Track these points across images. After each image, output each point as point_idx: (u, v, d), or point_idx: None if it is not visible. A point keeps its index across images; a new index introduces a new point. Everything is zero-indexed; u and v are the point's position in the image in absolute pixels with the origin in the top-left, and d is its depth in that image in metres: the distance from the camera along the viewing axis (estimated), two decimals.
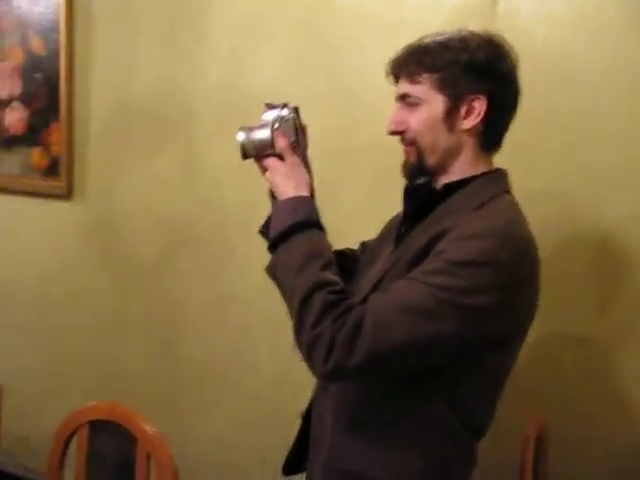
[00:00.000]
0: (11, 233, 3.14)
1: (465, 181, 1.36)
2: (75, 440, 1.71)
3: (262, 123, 1.42)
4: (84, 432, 1.69)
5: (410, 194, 1.43)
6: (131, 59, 2.74)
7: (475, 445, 1.40)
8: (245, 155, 1.42)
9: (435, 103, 1.33)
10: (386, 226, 1.61)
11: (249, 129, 1.42)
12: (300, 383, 1.61)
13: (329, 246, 1.35)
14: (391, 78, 1.41)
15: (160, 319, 2.80)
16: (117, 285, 2.89)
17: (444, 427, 1.33)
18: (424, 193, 1.40)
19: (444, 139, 1.34)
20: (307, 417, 1.56)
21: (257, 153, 1.42)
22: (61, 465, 1.71)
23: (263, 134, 1.41)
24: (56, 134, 2.88)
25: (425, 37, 1.37)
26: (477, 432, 1.39)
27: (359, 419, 1.38)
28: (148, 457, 1.60)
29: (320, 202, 1.43)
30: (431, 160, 1.36)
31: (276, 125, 1.40)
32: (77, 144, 2.88)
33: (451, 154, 1.35)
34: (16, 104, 2.96)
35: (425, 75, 1.33)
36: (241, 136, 1.42)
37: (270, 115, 1.42)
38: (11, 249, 3.15)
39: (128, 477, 1.62)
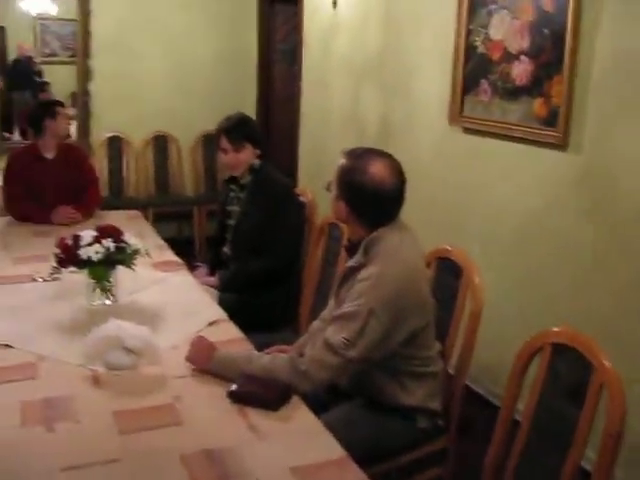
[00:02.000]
0: (506, 176, 3.43)
1: None
2: (537, 359, 1.89)
3: None
4: (546, 352, 1.86)
5: None
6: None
7: None
8: None
9: None
10: None
11: None
12: None
13: None
14: None
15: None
16: (600, 238, 2.95)
17: None
18: None
19: None
20: None
21: None
22: (521, 377, 1.92)
23: None
24: (557, 86, 3.03)
25: None
26: None
27: None
28: (600, 387, 1.70)
29: None
30: None
31: None
32: (577, 96, 2.98)
33: None
34: (523, 58, 3.20)
35: None
36: None
37: None
38: (504, 191, 3.45)
39: (578, 402, 1.74)
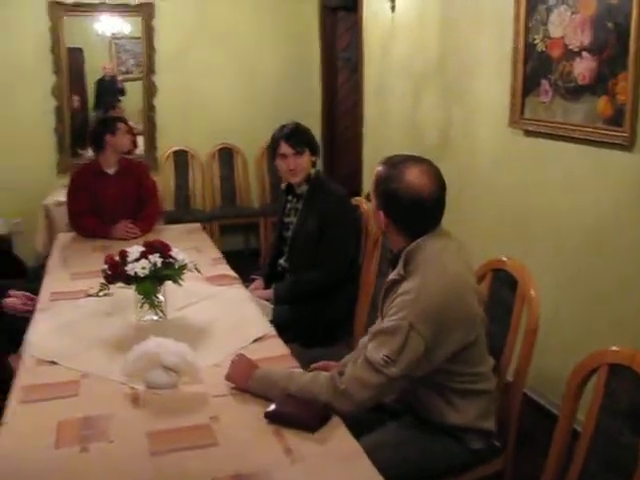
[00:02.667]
0: (570, 179, 3.25)
1: None
2: (594, 378, 1.75)
3: None
4: (603, 372, 1.72)
5: None
6: None
7: None
8: None
9: None
10: None
11: None
12: None
13: None
14: None
15: None
16: None
17: None
18: None
19: None
20: None
21: None
22: (577, 398, 1.78)
23: None
24: (623, 83, 2.84)
25: None
26: None
27: None
28: None
29: None
30: None
31: None
32: None
33: None
34: (585, 54, 3.02)
35: None
36: None
37: None
38: (569, 194, 3.27)
39: (638, 424, 1.60)
